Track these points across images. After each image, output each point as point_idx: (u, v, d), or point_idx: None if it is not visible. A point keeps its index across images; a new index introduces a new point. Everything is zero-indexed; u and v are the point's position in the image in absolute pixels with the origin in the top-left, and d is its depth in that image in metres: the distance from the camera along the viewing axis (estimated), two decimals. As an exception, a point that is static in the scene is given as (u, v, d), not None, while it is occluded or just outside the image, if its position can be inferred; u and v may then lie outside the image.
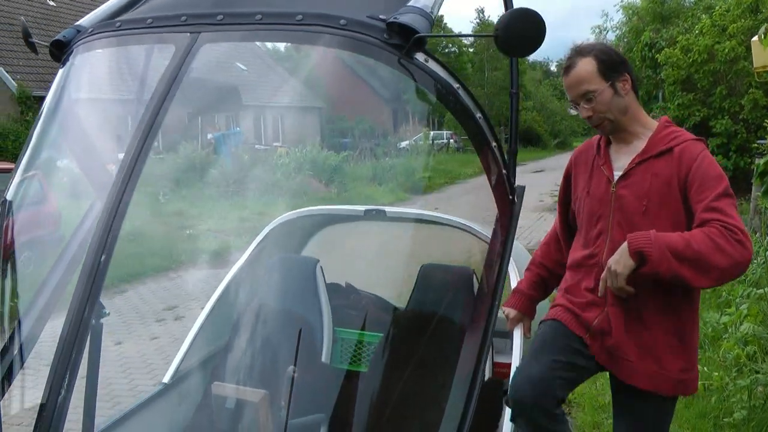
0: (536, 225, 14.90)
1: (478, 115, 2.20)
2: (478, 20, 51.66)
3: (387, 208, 3.89)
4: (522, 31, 1.96)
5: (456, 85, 2.13)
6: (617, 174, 2.75)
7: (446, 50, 49.01)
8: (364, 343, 3.80)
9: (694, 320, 2.77)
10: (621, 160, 2.77)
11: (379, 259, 7.98)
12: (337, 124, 43.10)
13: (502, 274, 2.38)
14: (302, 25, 2.08)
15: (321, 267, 3.87)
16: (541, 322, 2.94)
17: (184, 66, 2.17)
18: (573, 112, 2.79)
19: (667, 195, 2.62)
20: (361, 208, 3.94)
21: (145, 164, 2.13)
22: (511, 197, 2.50)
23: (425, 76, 2.07)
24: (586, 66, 2.68)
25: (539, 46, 2.02)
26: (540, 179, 24.62)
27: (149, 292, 10.65)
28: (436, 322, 3.41)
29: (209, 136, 28.05)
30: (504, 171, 2.40)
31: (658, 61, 17.79)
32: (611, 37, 27.01)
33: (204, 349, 3.75)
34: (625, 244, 2.52)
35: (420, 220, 3.69)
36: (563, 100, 61.19)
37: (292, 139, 31.28)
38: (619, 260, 2.52)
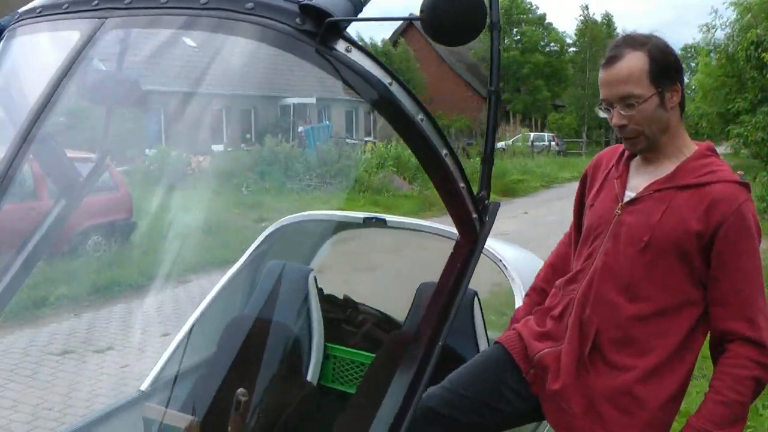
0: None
1: (420, 116, 1.83)
2: (582, 17, 50.34)
3: (388, 217, 3.54)
4: (452, 14, 1.60)
5: (387, 81, 1.76)
6: (629, 195, 2.26)
7: (546, 49, 47.77)
8: (357, 363, 3.47)
9: (670, 380, 2.23)
10: (639, 179, 2.27)
11: (379, 271, 7.67)
12: (433, 121, 42.80)
13: (447, 316, 1.98)
14: (205, 9, 1.78)
15: (315, 277, 3.56)
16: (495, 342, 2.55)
17: (83, 53, 1.96)
18: (602, 114, 2.26)
19: (677, 239, 2.11)
20: (361, 215, 3.61)
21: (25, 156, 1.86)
22: (475, 216, 2.09)
23: (346, 70, 1.72)
24: (636, 62, 2.13)
25: (476, 33, 1.65)
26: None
27: (210, 284, 10.57)
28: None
29: (299, 129, 28.29)
30: (461, 184, 2.00)
31: (765, 60, 16.31)
32: (720, 35, 25.51)
33: (187, 359, 3.50)
34: None
35: (422, 231, 3.32)
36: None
37: (385, 134, 31.25)
38: None
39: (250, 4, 1.72)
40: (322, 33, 1.66)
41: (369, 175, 20.72)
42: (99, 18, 1.97)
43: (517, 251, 3.33)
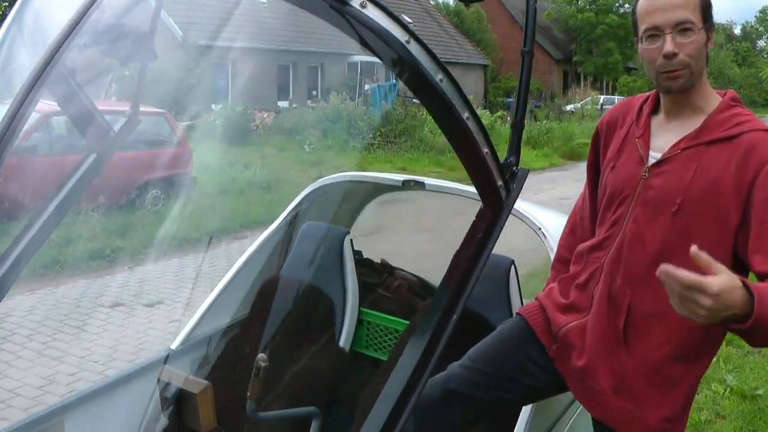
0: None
1: (439, 77, 1.69)
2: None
3: (427, 180, 3.41)
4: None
5: (405, 39, 1.63)
6: (654, 156, 2.09)
7: (621, 10, 46.27)
8: (391, 330, 3.38)
9: (703, 358, 2.09)
10: (663, 138, 2.10)
11: (421, 235, 7.51)
12: (503, 83, 42.27)
13: (464, 288, 1.86)
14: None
15: (351, 240, 3.46)
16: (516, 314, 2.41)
17: (93, 6, 1.86)
18: (643, 45, 2.06)
19: (713, 197, 1.94)
20: (400, 177, 3.48)
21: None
22: (500, 183, 1.95)
23: (361, 27, 1.59)
24: None
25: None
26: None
27: (265, 241, 10.63)
28: (462, 317, 2.93)
29: (366, 87, 28.17)
30: (485, 150, 1.86)
31: None
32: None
33: (219, 320, 3.46)
34: (738, 283, 1.63)
35: (461, 196, 3.18)
36: (744, 67, 56.66)
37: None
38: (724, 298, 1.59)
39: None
40: (334, -13, 1.54)
41: (434, 135, 20.52)
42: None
43: (562, 218, 3.17)
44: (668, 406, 2.05)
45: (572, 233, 2.48)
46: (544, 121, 25.88)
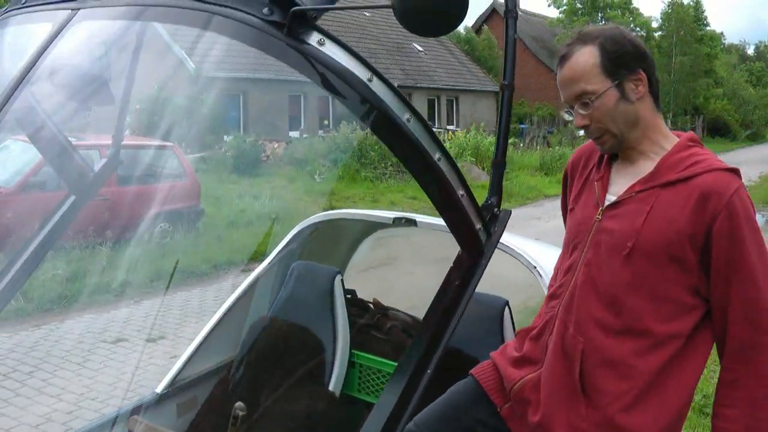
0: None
1: (406, 116, 1.61)
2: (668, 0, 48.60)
3: (418, 217, 3.32)
4: (421, 2, 1.37)
5: (366, 77, 1.55)
6: (609, 199, 2.02)
7: (633, 33, 46.03)
8: (383, 373, 3.27)
9: (677, 408, 1.95)
10: (621, 183, 2.02)
11: (415, 272, 7.39)
12: (515, 109, 42.23)
13: (438, 343, 1.76)
14: (173, -1, 1.61)
15: (342, 279, 3.37)
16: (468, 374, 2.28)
17: (51, 45, 1.81)
18: (567, 117, 2.05)
19: (667, 240, 1.86)
20: (391, 214, 3.39)
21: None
22: (479, 227, 1.86)
23: (319, 66, 1.52)
24: (586, 57, 1.93)
25: (455, 24, 1.42)
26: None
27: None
28: (454, 357, 2.84)
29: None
30: (460, 192, 1.77)
31: None
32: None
33: (205, 361, 3.37)
34: None
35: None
36: (759, 87, 56.30)
37: (467, 122, 30.89)
38: None
39: (216, -7, 1.55)
40: (288, 23, 1.47)
41: (446, 165, 20.40)
42: (72, 9, 1.84)
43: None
44: None
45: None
46: (557, 147, 25.75)
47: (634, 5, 44.75)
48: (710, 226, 1.82)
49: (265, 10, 1.50)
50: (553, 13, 47.11)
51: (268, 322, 3.38)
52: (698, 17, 48.33)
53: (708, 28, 50.82)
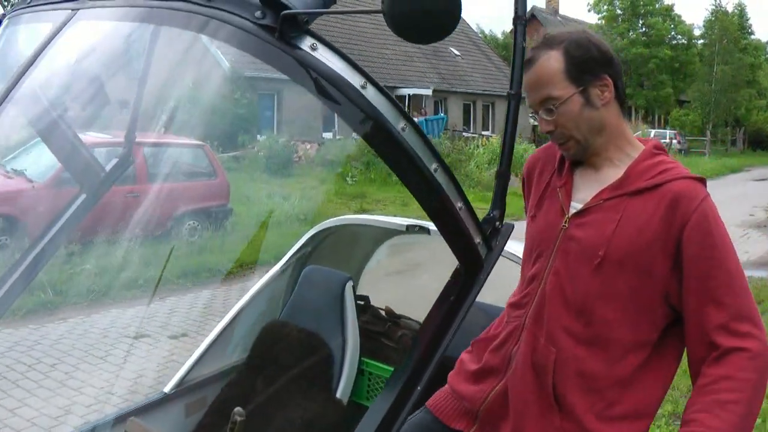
0: (739, 244, 13.24)
1: (401, 125, 1.57)
2: (712, 7, 47.92)
3: (431, 225, 3.28)
4: (414, 7, 1.34)
5: (360, 83, 1.51)
6: (575, 207, 1.96)
7: (673, 41, 45.42)
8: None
9: (644, 415, 1.89)
10: (585, 190, 1.97)
11: (425, 282, 7.32)
12: (551, 115, 41.93)
13: (428, 363, 1.71)
14: (168, 0, 1.59)
15: (353, 285, 3.34)
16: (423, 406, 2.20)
17: (49, 45, 1.81)
18: (532, 122, 2.00)
19: (637, 248, 1.82)
20: (405, 221, 3.35)
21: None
22: (478, 241, 1.81)
23: (312, 72, 1.49)
24: (550, 62, 1.89)
25: (447, 31, 1.38)
26: (761, 189, 22.27)
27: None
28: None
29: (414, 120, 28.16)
30: (458, 204, 1.73)
31: None
32: None
33: (214, 363, 3.36)
34: None
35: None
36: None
37: (503, 128, 30.45)
38: None
39: (209, -5, 1.53)
40: (279, 27, 1.44)
41: (480, 171, 20.34)
42: (72, 9, 1.83)
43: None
44: None
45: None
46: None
47: (675, 12, 44.06)
48: (681, 232, 1.78)
49: (258, 13, 1.47)
50: (593, 18, 46.62)
51: (278, 326, 3.36)
52: (742, 25, 47.49)
53: (753, 37, 49.92)
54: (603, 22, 43.65)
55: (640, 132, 34.74)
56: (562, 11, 50.70)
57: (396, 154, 1.59)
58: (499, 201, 1.95)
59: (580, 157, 1.98)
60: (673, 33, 44.21)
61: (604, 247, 1.83)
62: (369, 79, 1.53)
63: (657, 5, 43.12)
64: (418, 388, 1.70)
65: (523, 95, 1.97)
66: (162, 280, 8.84)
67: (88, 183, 2.75)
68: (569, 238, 1.92)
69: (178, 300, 8.21)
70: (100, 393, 5.45)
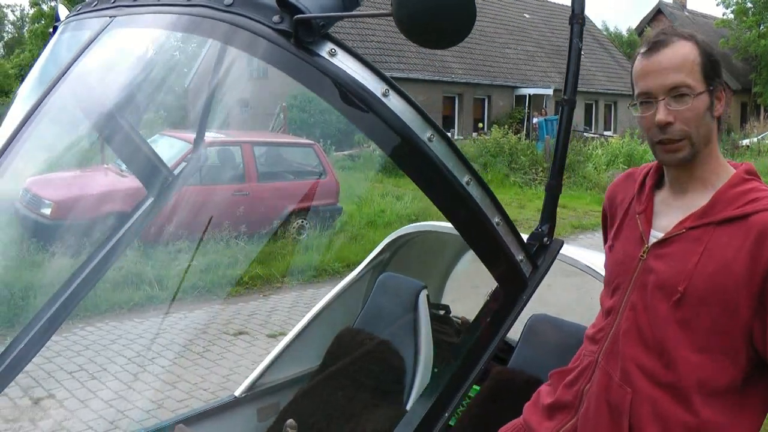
0: None
1: (428, 135, 1.47)
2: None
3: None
4: (423, 11, 1.23)
5: (382, 89, 1.42)
6: (655, 236, 1.78)
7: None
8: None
9: None
10: (668, 216, 1.79)
11: None
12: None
13: (461, 386, 1.59)
14: (188, 6, 1.55)
15: (427, 295, 3.23)
16: None
17: (86, 51, 1.81)
18: (636, 113, 1.78)
19: (722, 285, 1.62)
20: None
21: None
22: (521, 258, 1.68)
23: (330, 79, 1.41)
24: (690, 51, 1.70)
25: (457, 38, 1.27)
26: None
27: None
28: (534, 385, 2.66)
29: (534, 120, 27.67)
30: (495, 219, 1.60)
31: None
32: None
33: (286, 369, 3.33)
34: None
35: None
36: None
37: (624, 128, 29.72)
38: None
39: (229, 0, 1.47)
40: (294, 32, 1.37)
41: (597, 173, 19.74)
42: (110, 17, 1.82)
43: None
44: None
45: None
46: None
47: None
48: (766, 271, 1.57)
49: (275, 18, 1.40)
50: (720, 12, 44.32)
51: (352, 334, 3.30)
52: None
53: None
54: (733, 16, 41.39)
55: (766, 133, 32.86)
56: (689, 5, 48.66)
57: (422, 166, 1.48)
58: (549, 215, 1.81)
59: (684, 162, 1.76)
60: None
61: (685, 282, 1.65)
62: (392, 86, 1.43)
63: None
64: (446, 414, 1.58)
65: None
66: (268, 278, 8.97)
67: (155, 186, 2.76)
68: (648, 271, 1.74)
69: (281, 299, 8.29)
70: (194, 389, 5.56)
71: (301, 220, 10.80)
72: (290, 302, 8.19)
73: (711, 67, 1.71)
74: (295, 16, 1.35)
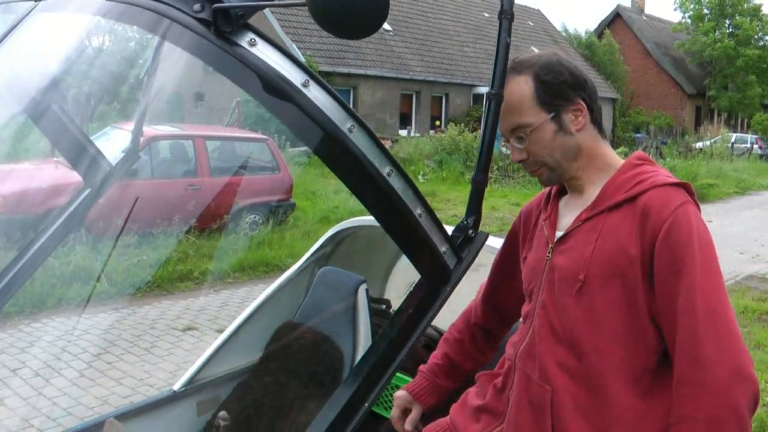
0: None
1: (348, 125, 1.48)
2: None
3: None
4: (335, 1, 1.24)
5: (302, 80, 1.43)
6: (558, 235, 1.83)
7: (761, 42, 42.99)
8: (399, 388, 3.11)
9: None
10: (570, 215, 1.84)
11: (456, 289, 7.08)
12: (632, 117, 41.00)
13: (378, 380, 1.60)
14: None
15: (366, 289, 3.24)
16: None
17: (9, 35, 1.78)
18: (504, 150, 1.88)
19: (617, 268, 1.65)
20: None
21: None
22: (444, 249, 1.70)
23: (249, 70, 1.41)
24: (520, 88, 1.78)
25: (374, 26, 1.28)
26: None
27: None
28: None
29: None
30: (418, 210, 1.62)
31: None
32: None
33: (226, 363, 3.32)
34: None
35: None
36: None
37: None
38: None
39: (154, -16, 1.46)
40: (214, 21, 1.37)
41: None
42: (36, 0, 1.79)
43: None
44: None
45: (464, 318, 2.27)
46: (668, 159, 24.73)
47: (764, 12, 42.23)
48: (652, 246, 1.61)
49: (196, 6, 1.40)
50: (677, 17, 45.06)
51: (291, 328, 3.30)
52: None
53: None
54: (690, 21, 42.19)
55: (720, 136, 33.52)
56: (648, 10, 49.43)
57: (342, 156, 1.49)
58: (475, 207, 1.83)
59: (554, 182, 1.86)
60: (760, 34, 42.24)
61: (584, 271, 1.68)
62: (313, 77, 1.44)
63: (745, 5, 41.33)
64: (365, 405, 1.60)
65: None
66: (218, 275, 8.92)
67: (94, 177, 2.73)
68: (553, 269, 1.77)
69: (232, 294, 8.26)
70: (139, 384, 5.51)
71: (253, 216, 10.76)
72: (241, 297, 8.15)
73: (549, 92, 1.76)
74: (214, 5, 1.35)
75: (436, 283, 1.71)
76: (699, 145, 31.29)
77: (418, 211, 1.63)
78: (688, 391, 1.54)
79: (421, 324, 1.68)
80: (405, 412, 2.18)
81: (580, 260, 1.70)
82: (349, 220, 3.58)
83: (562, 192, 1.91)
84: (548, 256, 1.80)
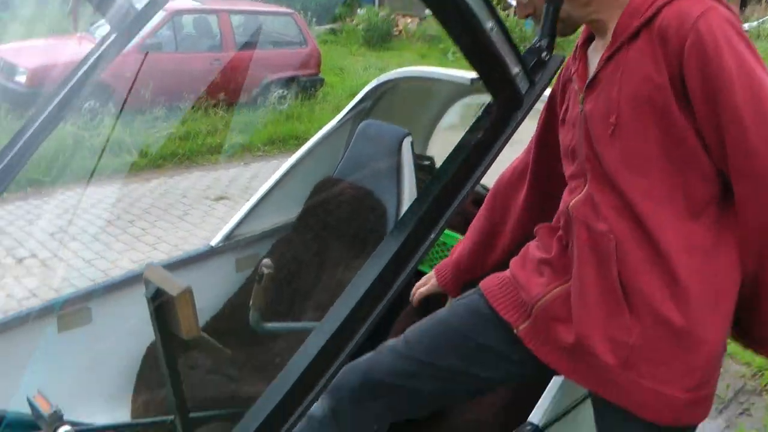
0: None
1: None
2: None
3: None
4: None
5: None
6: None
7: None
8: (447, 246, 3.01)
9: (723, 303, 1.57)
10: (595, 61, 1.65)
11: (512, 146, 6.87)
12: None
13: (449, 205, 1.44)
14: None
15: (411, 142, 3.10)
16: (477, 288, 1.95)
17: None
18: (512, 2, 1.70)
19: (649, 100, 1.48)
20: (468, 75, 3.04)
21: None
22: (517, 71, 1.53)
23: None
24: None
25: None
26: None
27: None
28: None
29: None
30: (489, 24, 1.44)
31: None
32: None
33: (264, 220, 3.24)
34: None
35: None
36: None
37: None
38: None
39: None
40: None
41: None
42: None
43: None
44: (693, 373, 1.57)
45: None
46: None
47: None
48: (680, 71, 1.44)
49: None
50: None
51: (330, 183, 3.19)
52: None
53: None
54: None
55: (766, 18, 32.21)
56: None
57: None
58: (549, 28, 1.65)
59: (569, 33, 1.67)
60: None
61: (614, 112, 1.53)
62: None
63: None
64: (411, 264, 1.43)
65: None
66: (248, 147, 8.81)
67: (119, 22, 2.58)
68: (587, 117, 1.61)
69: (262, 166, 8.17)
70: (174, 249, 5.50)
71: (282, 90, 10.56)
72: (272, 169, 8.04)
73: None
74: None
75: (508, 108, 1.55)
76: (746, 26, 30.13)
77: (489, 24, 1.45)
78: (749, 208, 1.47)
79: (490, 152, 1.53)
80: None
81: (608, 102, 1.54)
82: (387, 73, 3.40)
83: (590, 39, 1.72)
84: (581, 106, 1.63)
